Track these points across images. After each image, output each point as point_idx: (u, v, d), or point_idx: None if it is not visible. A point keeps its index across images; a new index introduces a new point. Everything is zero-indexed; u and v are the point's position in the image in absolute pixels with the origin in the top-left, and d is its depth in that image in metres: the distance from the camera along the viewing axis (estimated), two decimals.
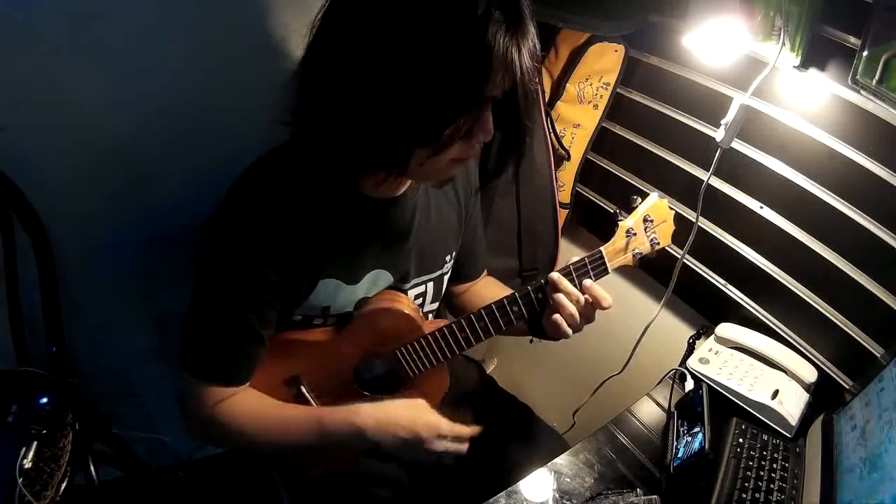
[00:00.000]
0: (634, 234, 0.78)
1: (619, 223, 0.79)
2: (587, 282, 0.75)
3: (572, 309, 0.73)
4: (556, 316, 0.74)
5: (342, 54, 0.57)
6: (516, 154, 0.68)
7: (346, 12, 0.57)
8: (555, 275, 0.74)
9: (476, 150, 0.65)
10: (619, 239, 0.78)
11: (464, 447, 0.74)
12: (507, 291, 0.98)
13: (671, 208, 0.82)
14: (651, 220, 0.79)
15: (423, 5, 0.53)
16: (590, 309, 0.75)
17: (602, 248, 0.77)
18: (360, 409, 0.73)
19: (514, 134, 0.66)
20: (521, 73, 0.56)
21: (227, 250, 0.66)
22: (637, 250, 0.79)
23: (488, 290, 1.00)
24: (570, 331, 0.75)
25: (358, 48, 0.55)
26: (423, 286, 0.84)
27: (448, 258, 0.86)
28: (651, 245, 0.80)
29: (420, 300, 0.85)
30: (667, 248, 0.83)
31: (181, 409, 0.75)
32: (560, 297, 0.74)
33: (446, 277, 0.88)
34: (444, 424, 0.72)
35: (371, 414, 0.72)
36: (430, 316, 0.89)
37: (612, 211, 0.80)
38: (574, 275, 0.75)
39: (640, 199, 0.80)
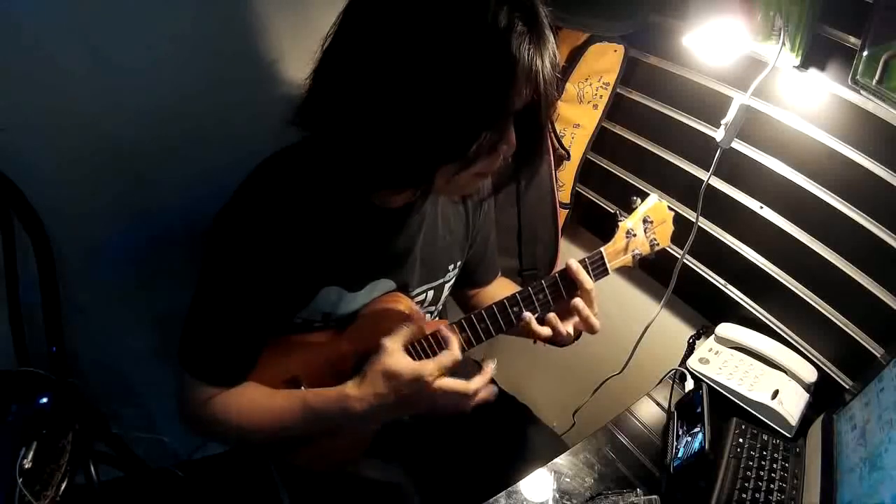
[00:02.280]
0: (634, 235, 0.79)
1: (619, 224, 0.79)
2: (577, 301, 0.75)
3: (587, 311, 0.74)
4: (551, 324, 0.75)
5: (360, 72, 0.55)
6: (535, 164, 0.68)
7: (362, 28, 0.56)
8: (573, 263, 0.74)
9: (498, 163, 0.64)
10: (619, 239, 0.78)
11: (474, 384, 0.70)
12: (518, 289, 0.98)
13: (670, 209, 0.82)
14: (651, 220, 0.80)
15: (443, 20, 0.52)
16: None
17: (602, 249, 0.77)
18: (345, 385, 0.70)
19: (531, 144, 0.65)
20: (545, 83, 0.56)
21: (232, 251, 0.66)
22: (637, 251, 0.79)
23: (500, 291, 0.99)
24: (568, 332, 0.76)
25: (377, 64, 0.54)
26: (424, 294, 0.84)
27: (452, 268, 0.86)
28: (651, 246, 0.81)
29: (419, 305, 0.84)
30: (666, 248, 0.84)
31: (179, 406, 0.75)
32: (576, 301, 0.74)
33: (448, 285, 0.88)
34: (428, 367, 0.68)
35: (354, 386, 0.70)
36: (430, 317, 0.89)
37: (612, 211, 0.81)
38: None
39: (639, 200, 0.81)
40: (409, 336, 0.71)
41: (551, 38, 0.57)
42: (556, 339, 0.77)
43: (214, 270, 0.68)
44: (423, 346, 0.78)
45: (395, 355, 0.69)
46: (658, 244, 0.81)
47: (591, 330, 0.75)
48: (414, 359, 0.76)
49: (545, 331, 0.75)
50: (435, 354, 0.76)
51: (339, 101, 0.58)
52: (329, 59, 0.59)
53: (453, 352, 0.70)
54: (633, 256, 0.79)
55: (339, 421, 0.72)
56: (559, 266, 0.77)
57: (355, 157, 0.60)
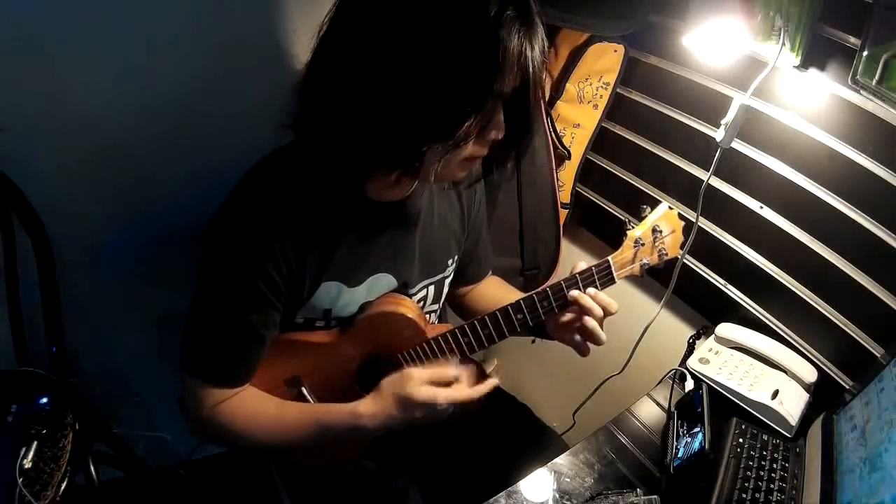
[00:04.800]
0: (643, 245, 0.78)
1: (628, 232, 0.78)
2: (591, 290, 0.75)
3: (594, 326, 0.74)
4: (572, 330, 0.76)
5: (354, 54, 0.57)
6: (520, 151, 0.69)
7: (357, 12, 0.58)
8: (575, 293, 0.74)
9: (487, 148, 0.65)
10: (626, 249, 0.77)
11: (475, 392, 0.72)
12: (512, 291, 0.97)
13: (681, 218, 0.81)
14: (660, 230, 0.78)
15: (436, 5, 0.54)
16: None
17: (610, 258, 0.77)
18: (357, 403, 0.72)
19: (520, 130, 0.66)
20: (534, 68, 0.58)
21: (230, 251, 0.66)
22: (645, 261, 0.78)
23: (492, 290, 1.00)
24: (585, 345, 0.77)
25: (371, 48, 0.56)
26: (425, 290, 0.84)
27: (450, 262, 0.86)
28: (659, 256, 0.79)
29: (421, 303, 0.85)
30: (675, 257, 0.83)
31: (181, 409, 0.75)
32: (584, 318, 0.74)
33: (447, 281, 0.88)
34: (440, 395, 0.70)
35: (367, 405, 0.72)
36: (432, 317, 0.89)
37: (617, 215, 0.80)
38: (580, 284, 0.75)
39: (649, 209, 0.80)
40: (438, 376, 0.72)
41: (540, 26, 0.58)
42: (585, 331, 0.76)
43: (213, 271, 0.68)
44: (426, 351, 0.78)
45: (417, 385, 0.70)
46: (667, 254, 0.80)
47: (610, 311, 0.76)
48: (408, 365, 0.77)
49: (595, 310, 0.74)
50: (431, 362, 0.78)
51: (334, 81, 0.59)
52: (325, 43, 0.60)
53: (470, 392, 0.72)
54: (641, 266, 0.79)
55: (347, 435, 0.74)
56: (561, 266, 0.77)
57: (348, 137, 0.61)
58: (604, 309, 0.74)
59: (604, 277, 0.76)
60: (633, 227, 0.78)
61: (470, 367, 0.76)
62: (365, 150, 0.62)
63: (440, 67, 0.54)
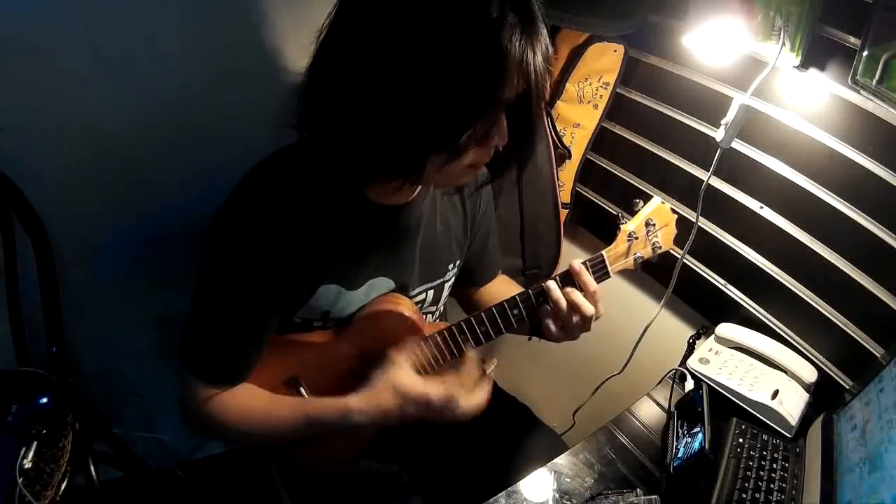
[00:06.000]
0: (636, 238, 0.78)
1: (621, 226, 0.78)
2: (571, 293, 0.74)
3: (576, 319, 0.73)
4: (548, 322, 0.74)
5: (353, 60, 0.56)
6: (524, 156, 0.68)
7: (355, 18, 0.57)
8: (550, 283, 0.73)
9: (490, 155, 0.64)
10: (620, 242, 0.78)
11: (477, 397, 0.71)
12: (519, 289, 0.98)
13: (673, 211, 0.81)
14: (653, 223, 0.79)
15: (436, 10, 0.52)
16: (585, 317, 0.74)
17: (603, 252, 0.77)
18: (348, 398, 0.71)
19: (523, 135, 0.66)
20: (536, 75, 0.56)
21: (230, 251, 0.66)
22: (638, 254, 0.79)
23: (501, 289, 0.99)
24: (561, 335, 0.75)
25: (369, 54, 0.55)
26: (424, 293, 0.84)
27: (451, 267, 0.86)
28: (653, 249, 0.80)
29: (419, 305, 0.84)
30: (668, 251, 0.83)
31: (180, 406, 0.75)
32: (559, 301, 0.73)
33: (448, 285, 0.87)
34: (435, 394, 0.69)
35: (357, 399, 0.71)
36: (429, 317, 0.89)
37: (613, 212, 0.80)
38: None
39: (642, 203, 0.80)
40: (415, 351, 0.72)
41: (544, 30, 0.57)
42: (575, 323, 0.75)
43: (213, 270, 0.68)
44: (424, 351, 0.78)
45: (404, 370, 0.70)
46: (660, 247, 0.81)
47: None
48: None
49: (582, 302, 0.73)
50: (428, 361, 0.77)
51: (333, 89, 0.58)
52: (324, 49, 0.60)
53: (468, 399, 0.70)
54: (635, 260, 0.79)
55: (339, 430, 0.73)
56: (561, 267, 0.77)
57: (348, 145, 0.60)
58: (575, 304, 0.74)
59: (598, 271, 0.76)
60: (626, 222, 0.79)
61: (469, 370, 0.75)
62: (364, 158, 0.61)
63: (440, 75, 0.53)
